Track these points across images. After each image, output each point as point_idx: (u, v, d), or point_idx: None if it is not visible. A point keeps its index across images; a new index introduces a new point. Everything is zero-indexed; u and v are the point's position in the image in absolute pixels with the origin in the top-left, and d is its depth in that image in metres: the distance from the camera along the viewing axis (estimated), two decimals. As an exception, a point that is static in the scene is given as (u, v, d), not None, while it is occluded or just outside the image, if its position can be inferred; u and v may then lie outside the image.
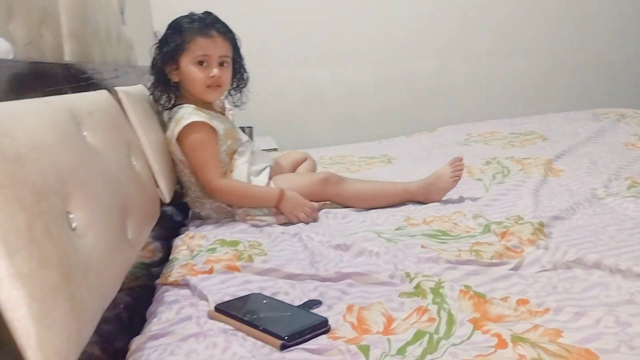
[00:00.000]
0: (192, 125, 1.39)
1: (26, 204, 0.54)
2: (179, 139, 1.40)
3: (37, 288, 0.53)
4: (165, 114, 1.50)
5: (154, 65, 1.47)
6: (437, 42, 3.45)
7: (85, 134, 0.81)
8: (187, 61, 1.43)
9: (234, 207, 1.45)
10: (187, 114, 1.41)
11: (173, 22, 1.47)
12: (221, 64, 1.46)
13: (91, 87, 1.06)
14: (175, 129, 1.40)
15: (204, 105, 1.48)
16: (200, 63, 1.43)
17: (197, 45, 1.42)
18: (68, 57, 1.19)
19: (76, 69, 1.02)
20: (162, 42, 1.46)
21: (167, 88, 1.48)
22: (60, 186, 0.63)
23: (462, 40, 3.47)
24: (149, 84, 1.53)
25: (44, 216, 0.57)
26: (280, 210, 1.42)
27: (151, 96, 1.49)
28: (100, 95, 1.02)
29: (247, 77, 1.57)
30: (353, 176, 1.73)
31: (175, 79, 1.46)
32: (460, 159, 1.52)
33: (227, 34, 1.47)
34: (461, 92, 3.54)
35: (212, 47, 1.43)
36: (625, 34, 3.68)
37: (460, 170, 1.50)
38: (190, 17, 1.45)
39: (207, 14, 1.47)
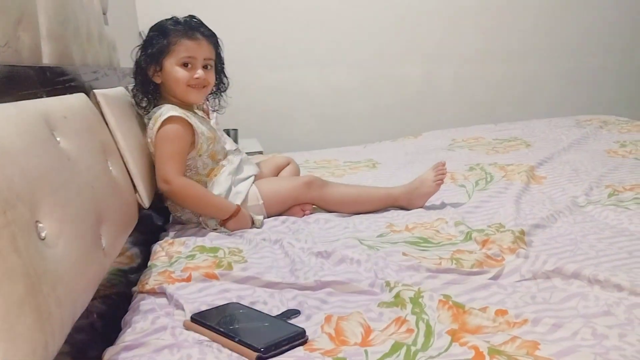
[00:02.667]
0: (169, 119, 1.38)
1: (-10, 214, 0.53)
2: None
3: (1, 301, 0.51)
4: (146, 117, 1.49)
5: (136, 67, 1.46)
6: (424, 47, 3.46)
7: (58, 139, 0.79)
8: (171, 62, 1.43)
9: (183, 211, 1.45)
10: (166, 110, 1.41)
11: (157, 24, 1.46)
12: (204, 67, 1.45)
13: (68, 90, 1.04)
14: (154, 127, 1.39)
15: (185, 106, 1.47)
16: (185, 65, 1.43)
17: (182, 47, 1.42)
18: (47, 59, 1.17)
19: (53, 72, 0.99)
20: (146, 44, 1.45)
21: (148, 90, 1.46)
22: (29, 194, 0.62)
23: (448, 45, 3.49)
24: (130, 86, 1.51)
25: (10, 226, 0.55)
26: (224, 224, 1.39)
27: (133, 99, 1.47)
28: (77, 98, 1.00)
29: (228, 82, 1.57)
30: (338, 181, 1.73)
31: (157, 80, 1.45)
32: (443, 164, 1.53)
33: (212, 37, 1.47)
34: (447, 96, 3.55)
35: (197, 49, 1.43)
36: (610, 41, 3.73)
37: (443, 174, 1.51)
38: (175, 20, 1.45)
39: (192, 17, 1.47)
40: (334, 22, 3.31)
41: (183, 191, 1.38)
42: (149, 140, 1.41)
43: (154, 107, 1.47)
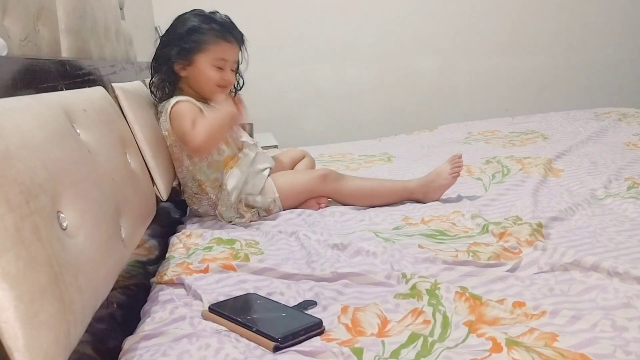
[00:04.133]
0: (177, 103, 1.40)
1: (14, 204, 0.54)
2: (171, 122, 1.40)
3: (25, 289, 0.52)
4: (159, 110, 1.50)
5: (163, 57, 1.45)
6: (439, 40, 3.44)
7: (78, 131, 0.80)
8: (205, 61, 1.44)
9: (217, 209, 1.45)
10: (173, 100, 1.42)
11: (189, 18, 1.46)
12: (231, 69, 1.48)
13: (87, 84, 1.05)
14: (166, 118, 1.41)
15: (201, 99, 1.48)
16: (217, 65, 1.45)
17: (218, 48, 1.44)
18: (65, 53, 1.18)
19: (72, 65, 1.01)
20: (180, 37, 1.44)
21: (169, 80, 1.47)
22: (51, 185, 0.63)
23: (464, 38, 3.46)
24: (147, 80, 1.52)
25: (33, 216, 0.56)
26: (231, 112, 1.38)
27: (150, 87, 1.48)
28: (96, 91, 1.02)
29: (243, 82, 1.58)
30: (353, 174, 1.72)
31: (182, 73, 1.46)
32: (460, 156, 1.53)
33: (243, 41, 1.50)
34: (463, 90, 3.52)
35: (231, 52, 1.46)
36: (627, 33, 3.66)
37: (460, 167, 1.51)
38: (209, 17, 1.46)
39: (228, 18, 1.49)
40: (348, 17, 3.30)
41: (206, 134, 1.34)
42: (165, 133, 1.42)
43: (168, 97, 1.48)
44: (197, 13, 1.47)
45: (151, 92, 1.49)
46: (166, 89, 1.48)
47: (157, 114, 1.46)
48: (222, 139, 1.44)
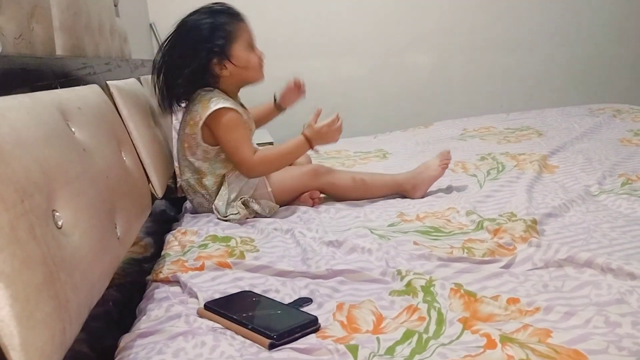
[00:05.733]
0: (224, 109, 1.41)
1: (9, 202, 0.54)
2: (208, 120, 1.41)
3: (20, 288, 0.52)
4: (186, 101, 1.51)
5: (191, 61, 1.43)
6: (434, 36, 3.43)
7: (73, 129, 0.80)
8: (240, 48, 1.46)
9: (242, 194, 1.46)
10: (216, 97, 1.43)
11: (201, 20, 1.45)
12: None
13: (82, 82, 1.05)
14: (205, 110, 1.41)
15: (232, 96, 1.51)
16: (250, 46, 1.48)
17: (243, 30, 1.47)
18: (60, 51, 1.18)
19: (66, 63, 1.00)
20: (204, 39, 1.43)
21: (199, 80, 1.46)
22: (46, 184, 0.63)
23: (459, 35, 3.46)
24: (142, 77, 1.52)
25: (28, 215, 0.56)
26: (318, 145, 1.47)
27: (165, 91, 1.47)
28: (91, 89, 1.01)
29: None
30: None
31: (224, 73, 1.46)
32: (448, 152, 1.56)
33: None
34: (458, 86, 3.52)
35: (249, 28, 1.50)
36: (622, 29, 3.67)
37: (448, 160, 1.54)
38: (218, 10, 1.47)
39: (220, 3, 1.50)
40: (343, 13, 3.29)
41: (265, 161, 1.44)
42: (188, 119, 1.44)
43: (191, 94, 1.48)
44: (202, 12, 1.47)
45: (169, 96, 1.47)
46: (191, 88, 1.48)
47: (165, 105, 1.47)
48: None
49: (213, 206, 1.45)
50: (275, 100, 1.76)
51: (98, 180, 0.80)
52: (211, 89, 1.46)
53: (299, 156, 1.51)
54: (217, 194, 1.45)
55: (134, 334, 0.81)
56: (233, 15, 1.47)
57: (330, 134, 1.46)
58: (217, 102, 1.41)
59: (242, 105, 1.58)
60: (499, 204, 1.40)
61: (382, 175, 1.61)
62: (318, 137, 1.46)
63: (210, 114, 1.40)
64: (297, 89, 1.61)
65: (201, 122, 1.41)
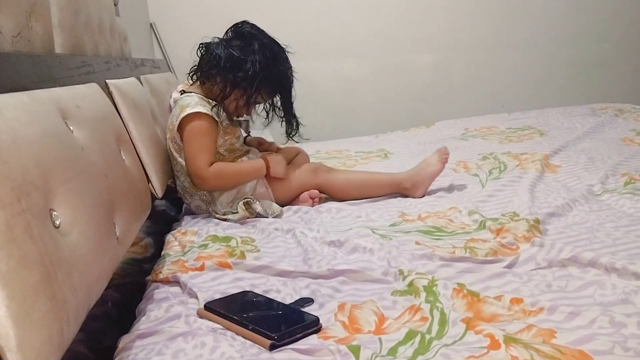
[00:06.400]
0: (196, 115, 1.40)
1: (5, 201, 0.53)
2: (181, 126, 1.41)
3: (17, 288, 0.51)
4: (172, 100, 1.51)
5: (232, 79, 1.44)
6: (436, 36, 3.43)
7: (72, 128, 0.79)
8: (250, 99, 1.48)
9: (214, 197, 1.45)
10: (194, 102, 1.42)
11: (279, 55, 1.56)
12: None
13: (81, 80, 1.04)
14: (179, 115, 1.41)
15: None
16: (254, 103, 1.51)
17: (260, 97, 1.51)
18: (59, 49, 1.17)
19: (65, 62, 1.00)
20: (256, 75, 1.45)
21: (205, 77, 1.48)
22: (43, 182, 0.62)
23: (460, 34, 3.45)
24: (142, 77, 1.52)
25: (25, 214, 0.55)
26: (273, 176, 1.46)
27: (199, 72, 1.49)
28: (90, 88, 1.01)
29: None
30: (349, 171, 1.72)
31: (216, 90, 1.45)
32: (446, 148, 1.55)
33: None
34: (459, 86, 3.52)
35: None
36: (624, 29, 3.66)
37: (447, 156, 1.53)
38: (286, 59, 1.58)
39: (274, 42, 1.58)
40: (343, 12, 3.28)
41: (219, 175, 1.42)
42: (169, 124, 1.43)
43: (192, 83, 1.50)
44: (284, 49, 1.57)
45: (195, 71, 1.50)
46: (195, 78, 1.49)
47: (171, 103, 1.48)
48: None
49: (210, 209, 1.44)
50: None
51: (97, 179, 0.79)
52: (190, 93, 1.46)
53: (253, 179, 1.46)
54: (216, 197, 1.44)
55: (133, 334, 0.80)
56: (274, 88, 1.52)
57: (279, 167, 1.47)
58: (193, 107, 1.40)
59: (237, 116, 1.57)
60: (502, 203, 1.39)
61: (381, 174, 1.60)
62: (275, 165, 1.46)
63: (183, 118, 1.39)
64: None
65: (176, 126, 1.41)
